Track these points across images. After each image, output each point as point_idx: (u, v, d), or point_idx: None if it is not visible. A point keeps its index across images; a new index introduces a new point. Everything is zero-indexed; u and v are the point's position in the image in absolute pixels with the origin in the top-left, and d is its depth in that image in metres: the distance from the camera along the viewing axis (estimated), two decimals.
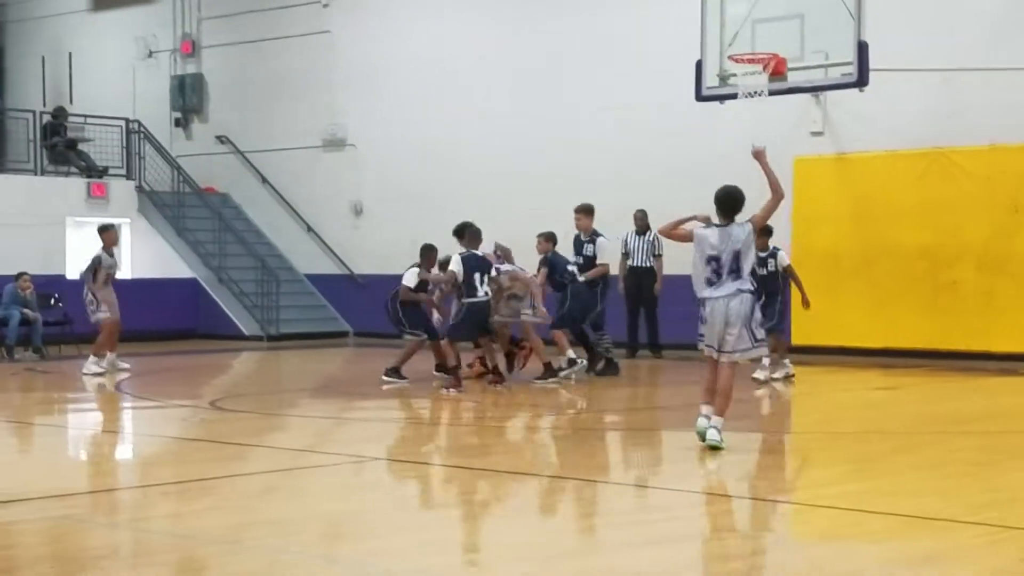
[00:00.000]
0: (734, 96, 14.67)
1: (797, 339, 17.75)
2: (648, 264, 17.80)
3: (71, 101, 25.48)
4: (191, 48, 24.49)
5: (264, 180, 23.40)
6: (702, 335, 9.34)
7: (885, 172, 17.27)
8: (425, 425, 12.04)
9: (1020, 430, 10.95)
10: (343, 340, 22.18)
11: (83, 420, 13.08)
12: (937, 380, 14.62)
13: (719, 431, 9.11)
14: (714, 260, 9.24)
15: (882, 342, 17.11)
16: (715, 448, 9.04)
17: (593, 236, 15.07)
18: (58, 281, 20.55)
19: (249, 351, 19.69)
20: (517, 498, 7.95)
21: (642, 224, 17.89)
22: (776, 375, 14.25)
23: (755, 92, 14.40)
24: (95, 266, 15.86)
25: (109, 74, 25.38)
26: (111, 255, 16.19)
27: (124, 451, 10.63)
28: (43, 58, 26.58)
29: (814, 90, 16.05)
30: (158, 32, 24.93)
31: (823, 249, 17.52)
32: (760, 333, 9.31)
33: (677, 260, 17.82)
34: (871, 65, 13.92)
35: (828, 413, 12.79)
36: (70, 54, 26.21)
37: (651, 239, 17.77)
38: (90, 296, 15.88)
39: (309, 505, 7.65)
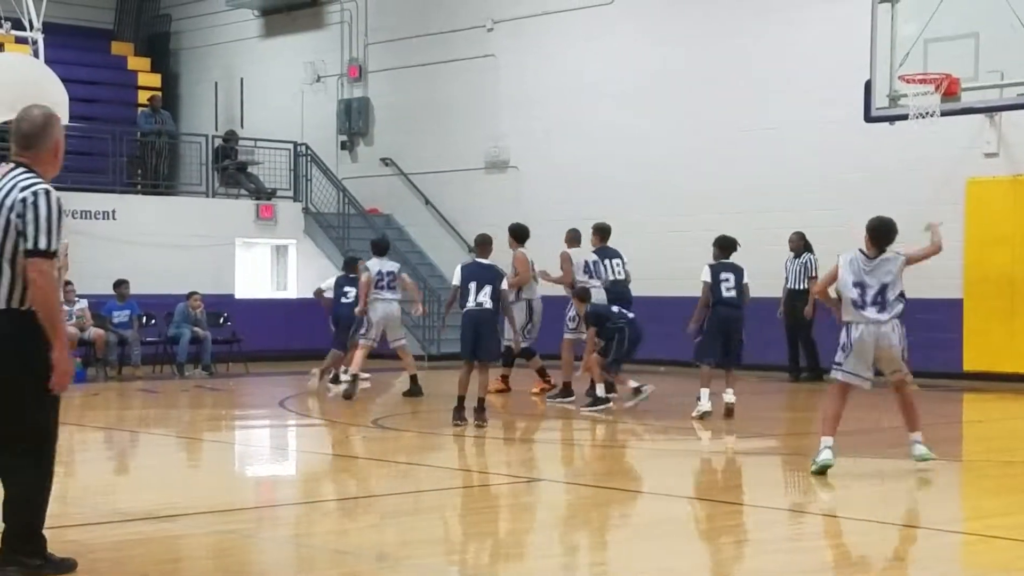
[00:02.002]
0: (905, 117, 14.33)
1: (970, 365, 17.24)
2: (803, 287, 17.51)
3: (242, 125, 26.16)
4: (358, 72, 24.94)
5: (427, 202, 23.66)
6: (838, 363, 9.26)
7: None
8: (586, 447, 11.97)
9: None
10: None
11: (249, 437, 13.35)
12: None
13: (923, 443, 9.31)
14: (859, 286, 9.09)
15: None
16: (925, 459, 9.23)
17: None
18: (227, 300, 21.07)
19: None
20: (677, 521, 7.84)
21: (798, 246, 17.60)
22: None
23: (927, 113, 14.04)
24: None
25: (278, 98, 25.99)
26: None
27: (288, 468, 10.81)
28: (216, 84, 27.36)
29: (988, 111, 15.58)
30: (326, 57, 25.45)
31: (998, 273, 16.98)
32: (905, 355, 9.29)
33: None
34: None
35: (1002, 441, 12.35)
36: (242, 80, 26.93)
37: (805, 262, 17.48)
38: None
39: (469, 525, 7.66)
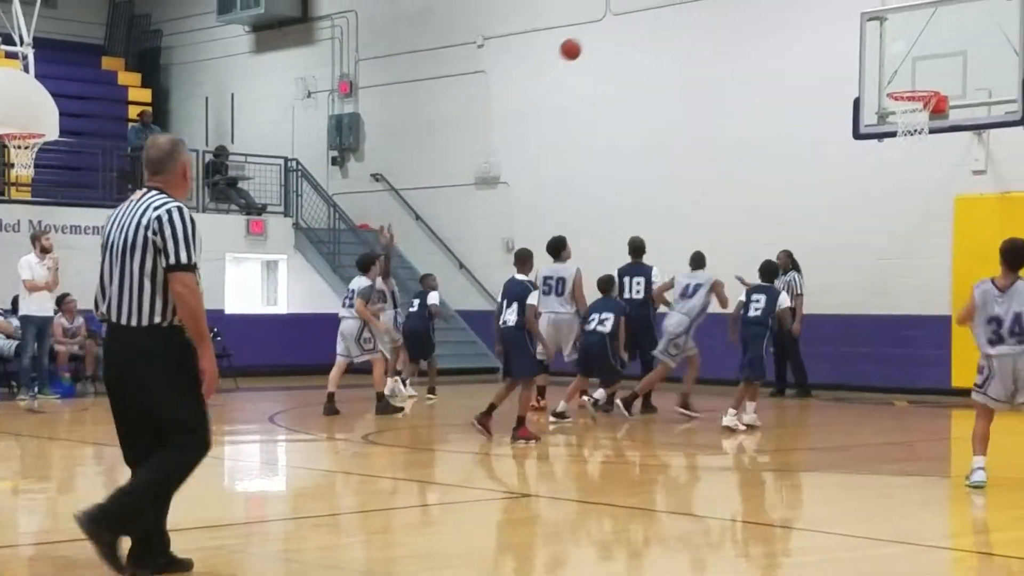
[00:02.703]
0: (893, 134, 14.41)
1: (959, 381, 17.27)
2: (788, 304, 17.56)
3: (232, 140, 26.19)
4: (349, 88, 24.99)
5: (417, 217, 23.69)
6: (979, 385, 9.39)
7: None
8: (576, 462, 11.97)
9: None
10: (493, 376, 22.25)
11: (239, 452, 13.33)
12: None
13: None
14: (995, 320, 9.16)
15: None
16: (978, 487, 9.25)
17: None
18: (218, 316, 21.03)
19: (420, 384, 19.82)
20: (659, 537, 7.85)
21: (785, 264, 17.66)
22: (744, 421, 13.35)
23: (915, 130, 14.13)
24: (366, 298, 15.28)
25: (269, 114, 26.03)
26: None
27: (278, 483, 10.80)
28: (206, 99, 27.40)
29: (976, 128, 15.68)
30: (317, 73, 25.51)
31: None
32: None
33: (817, 302, 17.59)
34: None
35: (991, 458, 12.33)
36: (232, 95, 26.97)
37: (790, 279, 17.54)
38: (366, 331, 15.20)
39: (460, 540, 7.66)
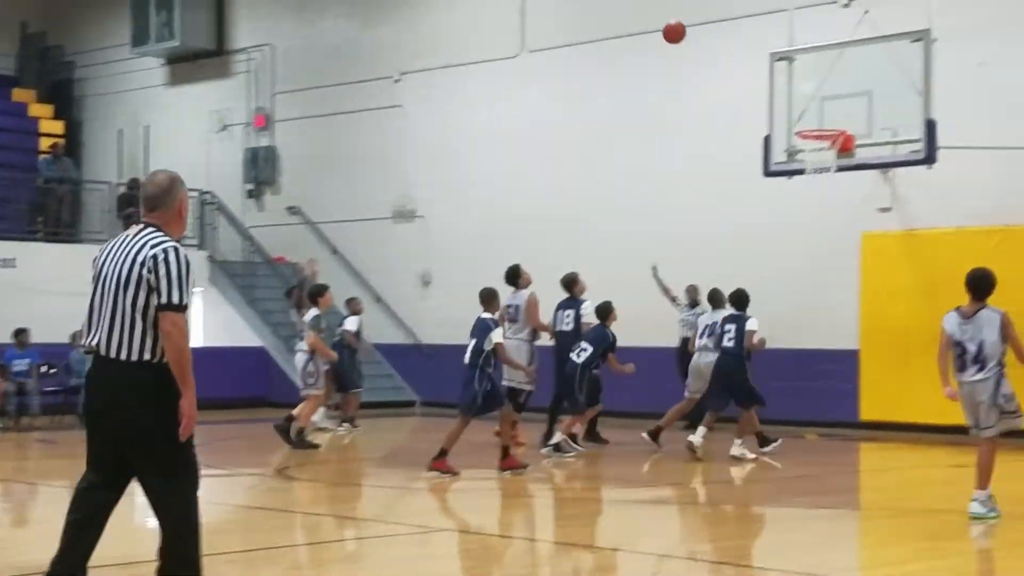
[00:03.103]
0: (802, 172, 14.70)
1: (867, 415, 17.62)
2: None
3: (146, 173, 25.98)
4: (265, 122, 24.95)
5: (334, 251, 23.68)
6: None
7: (954, 248, 17.14)
8: (494, 496, 12.03)
9: None
10: (410, 410, 22.27)
11: None
12: (1008, 459, 14.33)
13: (980, 503, 9.45)
14: (959, 346, 9.39)
15: (952, 419, 16.81)
16: (979, 519, 9.37)
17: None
18: None
19: (334, 418, 19.78)
20: (571, 571, 7.93)
21: (693, 297, 17.93)
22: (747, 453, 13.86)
23: (823, 168, 14.44)
24: (316, 327, 15.36)
25: (184, 146, 25.88)
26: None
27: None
28: (120, 131, 27.18)
29: (882, 167, 16.02)
30: (232, 106, 25.43)
31: (892, 325, 17.40)
32: (1010, 406, 9.53)
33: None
34: (939, 142, 13.91)
35: (898, 490, 12.64)
36: (147, 127, 26.79)
37: (700, 313, 17.82)
38: (311, 365, 15.22)
39: (374, 575, 7.68)
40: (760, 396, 14.00)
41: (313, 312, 15.50)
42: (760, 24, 17.97)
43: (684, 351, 18.11)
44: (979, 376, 9.41)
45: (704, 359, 14.49)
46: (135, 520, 10.58)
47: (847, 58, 14.44)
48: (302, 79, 24.39)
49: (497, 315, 12.99)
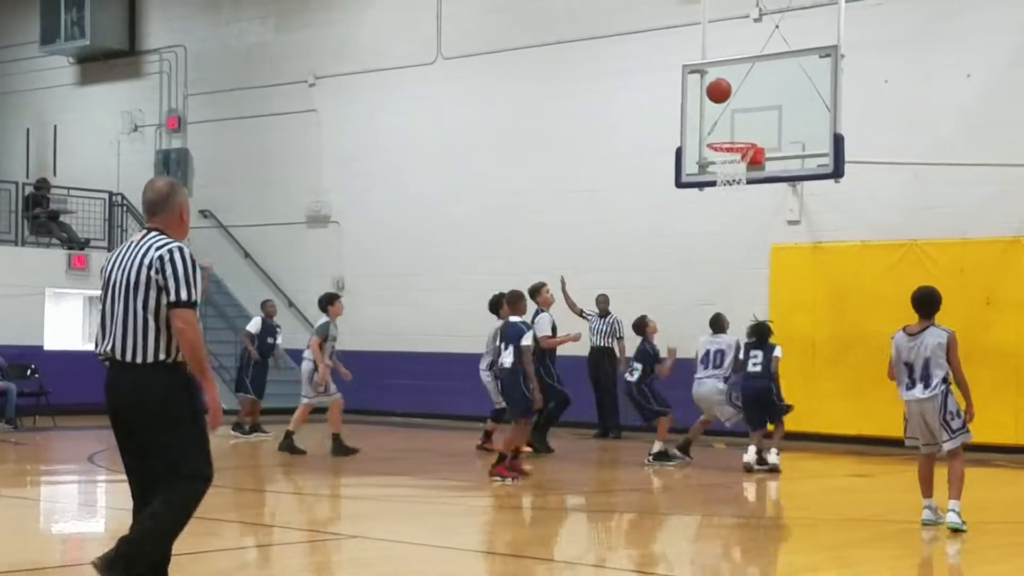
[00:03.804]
0: (713, 184, 14.85)
1: (772, 426, 17.83)
2: (608, 345, 18.12)
3: (55, 173, 25.61)
4: (177, 123, 24.70)
5: (246, 255, 23.50)
6: (905, 432, 9.86)
7: (860, 262, 17.48)
8: (409, 503, 12.01)
9: (994, 521, 11.01)
10: (322, 415, 22.11)
11: (55, 493, 13.02)
12: (912, 469, 14.61)
13: (958, 514, 9.52)
14: (907, 366, 9.64)
15: (857, 429, 17.20)
16: (958, 531, 9.44)
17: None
18: (35, 352, 20.53)
19: (228, 424, 19.65)
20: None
21: (604, 307, 18.13)
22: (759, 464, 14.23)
23: (733, 180, 14.59)
24: (323, 336, 15.22)
25: (94, 147, 25.54)
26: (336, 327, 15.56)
27: (94, 525, 10.60)
28: (27, 130, 26.75)
29: (791, 180, 16.26)
30: (144, 107, 25.15)
31: (799, 336, 17.65)
32: (956, 423, 9.68)
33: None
34: (847, 157, 14.14)
35: (804, 499, 12.83)
36: (55, 127, 26.39)
37: (611, 322, 18.04)
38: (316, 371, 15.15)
39: None
40: (787, 408, 14.62)
41: (322, 320, 15.38)
42: (673, 37, 18.18)
43: (595, 359, 18.25)
44: (926, 394, 9.59)
45: (706, 387, 14.67)
46: (41, 526, 10.43)
47: (758, 72, 14.61)
48: (215, 81, 24.19)
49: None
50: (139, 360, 5.99)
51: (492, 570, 8.37)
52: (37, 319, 21.37)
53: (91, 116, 25.87)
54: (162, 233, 6.18)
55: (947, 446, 9.74)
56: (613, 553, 9.29)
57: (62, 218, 22.92)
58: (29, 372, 19.59)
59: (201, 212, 24.17)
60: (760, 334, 14.49)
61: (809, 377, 17.51)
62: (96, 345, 6.19)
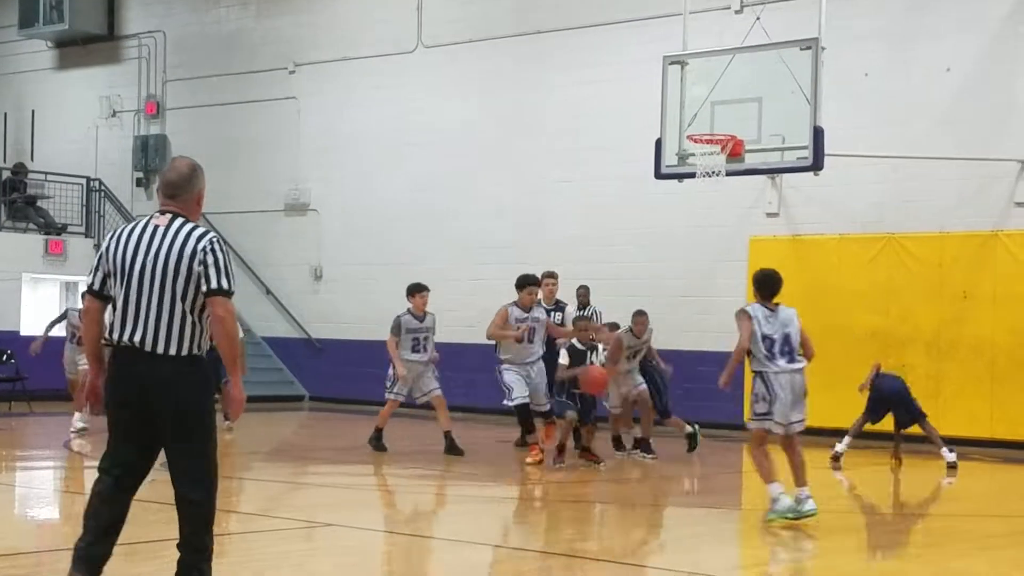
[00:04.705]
0: (692, 175, 14.87)
1: (749, 417, 17.86)
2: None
3: (32, 158, 25.47)
4: (155, 109, 24.59)
5: (224, 242, 23.40)
6: (765, 413, 9.58)
7: (838, 255, 17.53)
8: (383, 492, 12.03)
9: (966, 513, 11.09)
10: (299, 404, 22.13)
11: (32, 479, 12.98)
12: (884, 462, 14.74)
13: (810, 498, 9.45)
14: (767, 339, 9.48)
15: (832, 422, 17.19)
16: (812, 516, 9.33)
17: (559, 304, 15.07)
18: (12, 337, 20.43)
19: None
20: (450, 566, 7.97)
21: (584, 300, 18.08)
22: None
23: (713, 172, 14.61)
24: (394, 331, 14.22)
25: (71, 132, 25.41)
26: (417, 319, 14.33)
27: (73, 510, 10.55)
28: (5, 114, 26.59)
29: (770, 172, 16.30)
30: (123, 92, 25.03)
31: None
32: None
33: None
34: (826, 150, 14.17)
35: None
36: (33, 111, 26.24)
37: (591, 314, 17.96)
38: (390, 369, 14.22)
39: (257, 571, 7.64)
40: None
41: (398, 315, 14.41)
42: (654, 27, 18.18)
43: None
44: (794, 365, 9.50)
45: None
46: (16, 512, 10.39)
47: (738, 64, 14.63)
48: (194, 67, 24.09)
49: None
50: (172, 352, 5.82)
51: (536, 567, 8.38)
52: (13, 304, 21.27)
53: (69, 101, 25.74)
54: (187, 219, 6.03)
55: (801, 426, 9.61)
56: (574, 543, 9.31)
57: (39, 203, 22.81)
58: (5, 357, 19.50)
59: None
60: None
61: None
62: (112, 333, 5.92)
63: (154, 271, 5.84)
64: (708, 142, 14.60)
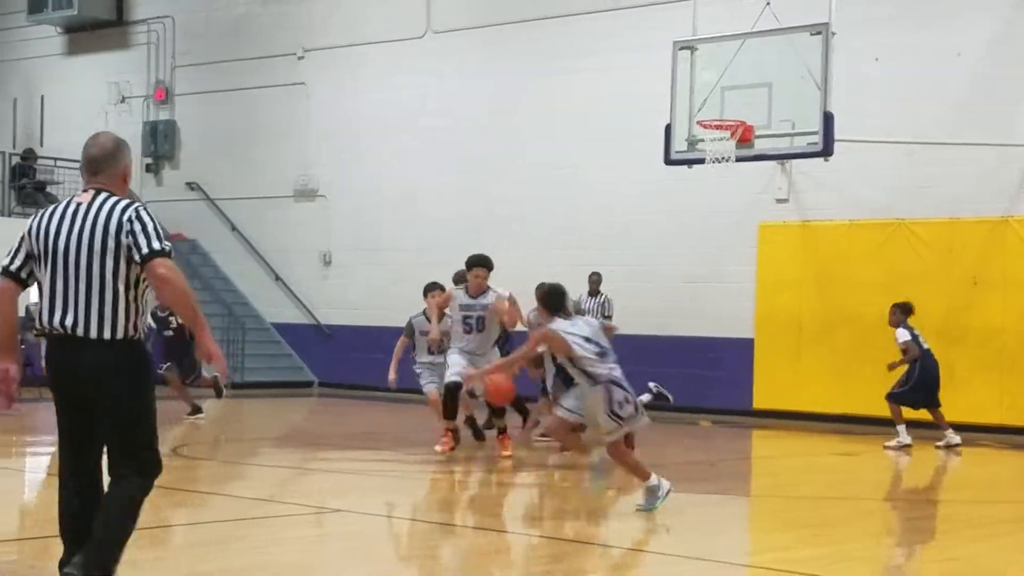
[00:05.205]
0: (702, 161, 14.83)
1: (760, 403, 17.90)
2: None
3: (41, 144, 25.48)
4: (164, 95, 24.58)
5: (233, 228, 23.44)
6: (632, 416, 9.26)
7: (847, 241, 17.49)
8: (391, 478, 12.02)
9: (975, 500, 11.07)
10: (308, 390, 22.15)
11: (39, 463, 13.00)
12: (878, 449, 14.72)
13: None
14: (592, 342, 9.12)
15: (841, 408, 17.23)
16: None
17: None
18: (22, 322, 20.43)
19: (213, 398, 19.66)
20: (461, 552, 7.97)
21: (595, 286, 18.05)
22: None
23: (722, 158, 14.57)
24: (407, 334, 13.51)
25: (81, 118, 25.38)
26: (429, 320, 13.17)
27: None
28: (15, 100, 26.60)
29: (780, 158, 16.25)
30: (132, 78, 25.02)
31: (785, 315, 17.69)
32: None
33: (625, 322, 17.97)
34: (836, 135, 14.13)
35: (787, 477, 12.86)
36: (42, 97, 26.25)
37: (602, 301, 17.93)
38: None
39: (266, 556, 7.65)
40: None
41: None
42: (664, 12, 18.11)
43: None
44: (616, 366, 9.14)
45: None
46: (24, 499, 10.42)
47: (748, 49, 14.58)
48: (204, 53, 24.07)
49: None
50: (107, 336, 5.46)
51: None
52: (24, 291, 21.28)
53: (78, 87, 25.74)
54: (111, 193, 5.60)
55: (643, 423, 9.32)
56: (583, 528, 9.30)
57: (48, 189, 22.82)
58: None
59: (188, 185, 24.10)
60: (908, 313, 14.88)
61: (795, 356, 17.56)
62: (41, 320, 5.59)
63: (79, 249, 5.50)
64: (718, 128, 14.56)
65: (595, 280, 18.10)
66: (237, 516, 8.86)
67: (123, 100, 25.06)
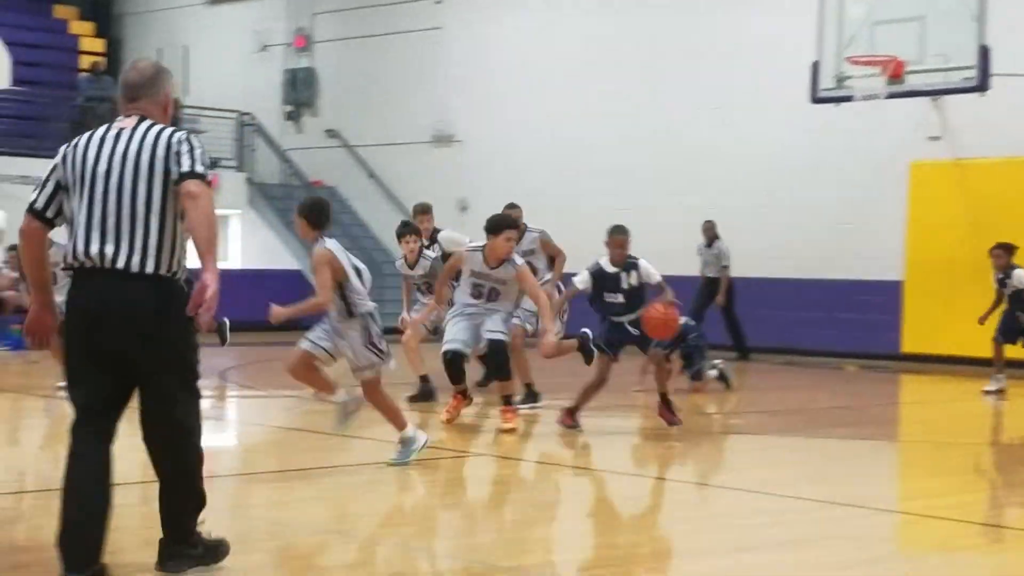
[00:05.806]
0: (850, 99, 14.41)
1: (909, 347, 17.42)
2: (712, 275, 17.64)
3: (187, 93, 25.87)
4: (304, 43, 24.73)
5: (371, 175, 23.54)
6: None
7: (1004, 179, 16.84)
8: (533, 424, 11.95)
9: None
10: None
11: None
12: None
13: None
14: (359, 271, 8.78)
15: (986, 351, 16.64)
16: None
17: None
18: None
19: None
20: (609, 498, 7.86)
21: (711, 235, 17.69)
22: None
23: (872, 95, 14.14)
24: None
25: (223, 67, 25.72)
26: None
27: (228, 439, 10.72)
28: (159, 50, 27.01)
29: (933, 94, 15.71)
30: (272, 26, 25.21)
31: (938, 256, 17.15)
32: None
33: (769, 266, 17.60)
34: (993, 69, 13.58)
35: (939, 423, 12.49)
36: (186, 47, 26.62)
37: (717, 251, 17.57)
38: None
39: (411, 498, 7.63)
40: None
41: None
42: None
43: (705, 287, 17.75)
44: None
45: None
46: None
47: None
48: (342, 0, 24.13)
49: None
50: (149, 270, 4.94)
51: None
52: None
53: (220, 36, 26.03)
54: (156, 121, 5.16)
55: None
56: (726, 474, 9.11)
57: None
58: None
59: (328, 132, 24.25)
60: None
61: (947, 298, 17.01)
62: (75, 250, 5.06)
63: (122, 173, 4.98)
64: (868, 63, 14.14)
65: (709, 227, 17.68)
66: (382, 459, 8.82)
67: (264, 48, 25.28)
